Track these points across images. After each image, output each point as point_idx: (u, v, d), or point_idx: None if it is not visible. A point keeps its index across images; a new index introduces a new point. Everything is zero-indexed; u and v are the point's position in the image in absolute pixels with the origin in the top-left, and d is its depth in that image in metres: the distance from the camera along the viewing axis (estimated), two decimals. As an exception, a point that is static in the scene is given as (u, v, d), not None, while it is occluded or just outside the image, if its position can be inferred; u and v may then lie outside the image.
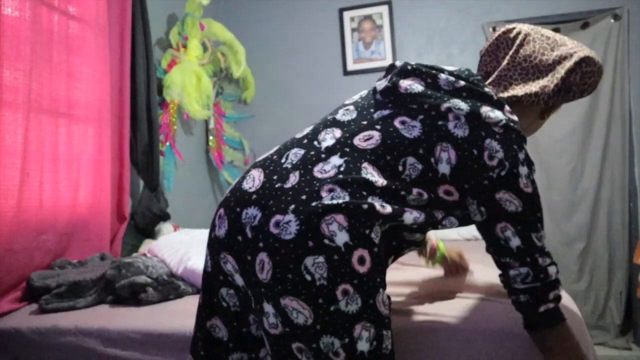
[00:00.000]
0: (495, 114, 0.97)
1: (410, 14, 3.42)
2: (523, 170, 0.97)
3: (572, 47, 1.07)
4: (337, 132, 1.00)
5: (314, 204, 0.87)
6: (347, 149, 0.95)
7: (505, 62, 1.09)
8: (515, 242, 0.96)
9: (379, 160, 0.95)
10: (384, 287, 0.93)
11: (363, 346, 0.86)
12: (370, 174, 0.92)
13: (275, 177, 0.94)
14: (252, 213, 0.91)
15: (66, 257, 1.90)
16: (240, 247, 0.91)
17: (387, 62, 3.42)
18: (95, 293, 1.62)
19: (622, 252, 3.11)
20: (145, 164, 2.43)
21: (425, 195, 0.97)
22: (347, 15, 3.49)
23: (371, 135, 0.97)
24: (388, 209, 0.90)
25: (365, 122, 1.00)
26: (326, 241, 0.85)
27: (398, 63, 1.08)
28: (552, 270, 0.97)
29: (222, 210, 0.97)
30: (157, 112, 2.50)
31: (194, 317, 1.14)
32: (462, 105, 0.97)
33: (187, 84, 2.68)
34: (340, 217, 0.86)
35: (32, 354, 1.47)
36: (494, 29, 3.25)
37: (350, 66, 3.49)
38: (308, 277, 0.84)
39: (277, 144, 1.10)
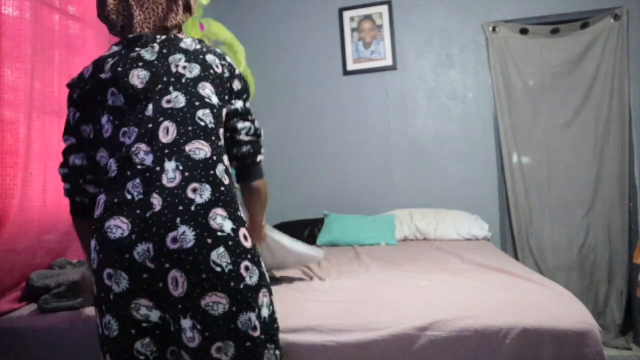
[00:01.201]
0: (189, 40, 1.18)
1: (410, 14, 3.42)
2: (229, 59, 1.20)
3: None
4: (144, 147, 1.05)
5: (192, 209, 0.98)
6: (166, 151, 1.03)
7: (152, 15, 1.22)
8: (240, 105, 1.19)
9: (189, 134, 1.06)
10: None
11: (265, 312, 1.04)
12: (197, 149, 1.05)
13: (139, 212, 0.99)
14: (142, 249, 0.97)
15: (66, 257, 1.89)
16: (149, 283, 0.98)
17: (387, 62, 3.42)
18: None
19: (622, 252, 3.11)
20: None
21: (222, 131, 1.15)
22: (347, 15, 3.49)
23: (166, 127, 1.06)
24: (228, 180, 1.07)
25: (150, 125, 1.06)
26: (219, 233, 0.99)
27: (104, 76, 1.14)
28: (262, 131, 1.24)
29: (108, 271, 0.99)
30: (157, 112, 2.50)
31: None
32: (178, 56, 1.13)
33: (187, 84, 2.67)
34: (219, 210, 1.01)
35: (32, 354, 1.47)
36: (494, 29, 3.25)
37: (350, 66, 3.49)
38: (218, 269, 0.97)
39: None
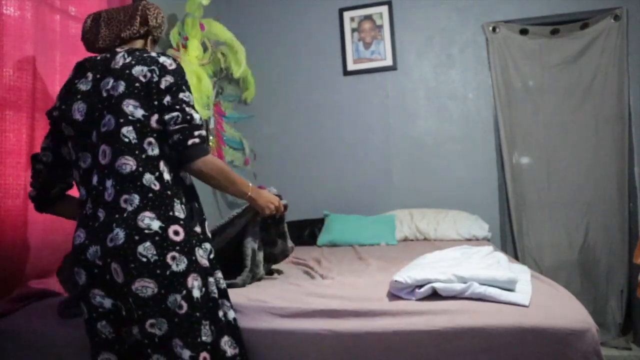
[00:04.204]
0: (120, 55, 1.32)
1: (410, 14, 3.43)
2: (162, 59, 1.30)
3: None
4: (93, 170, 1.28)
5: (124, 215, 1.21)
6: (105, 171, 1.25)
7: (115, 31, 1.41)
8: (167, 99, 1.27)
9: (116, 151, 1.24)
10: (201, 246, 1.31)
11: (196, 293, 1.23)
12: (124, 164, 1.23)
13: (91, 223, 1.25)
14: (92, 250, 1.22)
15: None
16: (99, 276, 1.22)
17: (387, 62, 3.43)
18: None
19: (621, 252, 3.11)
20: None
21: (153, 140, 1.27)
22: (347, 15, 3.49)
23: (103, 150, 1.26)
24: (158, 186, 1.24)
25: (95, 150, 1.28)
26: (146, 231, 1.19)
27: (55, 113, 1.37)
28: (196, 116, 1.31)
29: (75, 268, 1.27)
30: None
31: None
32: (107, 80, 1.29)
33: (187, 84, 2.68)
34: (147, 213, 1.21)
35: (33, 353, 1.48)
36: (494, 29, 3.26)
37: (350, 66, 3.49)
38: (144, 259, 1.18)
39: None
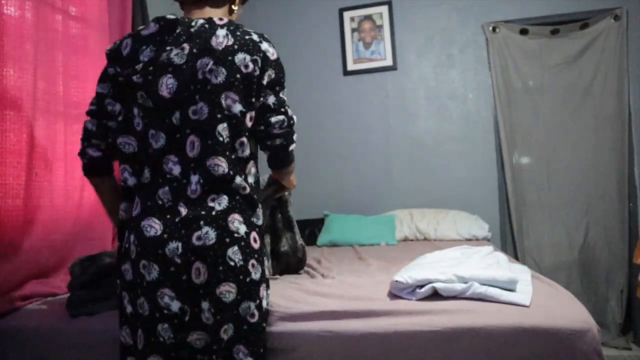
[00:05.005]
0: (222, 33, 1.17)
1: (410, 14, 3.43)
2: (264, 46, 1.20)
3: None
4: (172, 157, 1.17)
5: (213, 213, 1.15)
6: (192, 164, 1.16)
7: None
8: (272, 99, 1.22)
9: (209, 148, 1.15)
10: (266, 257, 1.33)
11: (264, 303, 1.24)
12: (216, 165, 1.16)
13: (169, 216, 1.15)
14: (172, 246, 1.13)
15: (72, 257, 1.89)
16: (174, 275, 1.13)
17: (387, 62, 3.43)
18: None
19: (621, 252, 3.12)
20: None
21: (245, 140, 1.21)
22: (347, 15, 3.50)
23: (192, 141, 1.16)
24: (248, 189, 1.20)
25: (178, 135, 1.17)
26: (235, 235, 1.16)
27: (135, 79, 1.20)
28: (295, 118, 1.27)
29: (144, 262, 1.14)
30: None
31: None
32: (205, 60, 1.15)
33: (187, 84, 2.68)
34: (236, 215, 1.17)
35: (33, 353, 1.48)
36: (494, 29, 3.26)
37: (350, 66, 3.49)
38: (232, 263, 1.14)
39: None
